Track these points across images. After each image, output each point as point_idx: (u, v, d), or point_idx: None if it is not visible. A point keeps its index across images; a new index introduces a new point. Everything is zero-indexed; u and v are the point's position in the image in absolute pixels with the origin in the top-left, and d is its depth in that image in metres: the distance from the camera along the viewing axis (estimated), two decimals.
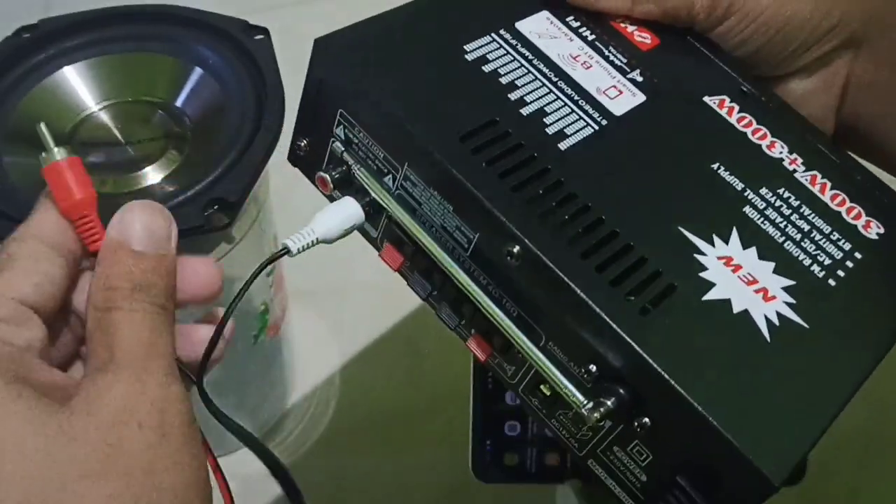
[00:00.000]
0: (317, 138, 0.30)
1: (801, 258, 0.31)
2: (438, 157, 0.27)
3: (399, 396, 0.52)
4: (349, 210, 0.30)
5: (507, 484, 0.45)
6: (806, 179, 0.34)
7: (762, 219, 0.31)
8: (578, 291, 0.26)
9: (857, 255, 0.32)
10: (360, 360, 0.53)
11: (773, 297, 0.29)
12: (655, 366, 0.25)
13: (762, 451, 0.25)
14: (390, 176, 0.29)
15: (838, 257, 0.32)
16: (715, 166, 0.32)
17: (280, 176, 0.45)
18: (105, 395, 0.23)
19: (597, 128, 0.31)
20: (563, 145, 0.30)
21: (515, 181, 0.28)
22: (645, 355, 0.25)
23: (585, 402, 0.26)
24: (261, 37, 0.39)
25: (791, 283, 0.30)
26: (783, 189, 0.33)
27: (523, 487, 0.46)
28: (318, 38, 0.29)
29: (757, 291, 0.29)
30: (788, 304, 0.29)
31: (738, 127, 0.34)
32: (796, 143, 0.34)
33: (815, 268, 0.31)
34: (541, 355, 0.27)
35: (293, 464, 0.49)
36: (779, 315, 0.29)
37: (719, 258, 0.29)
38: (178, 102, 0.38)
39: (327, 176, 0.30)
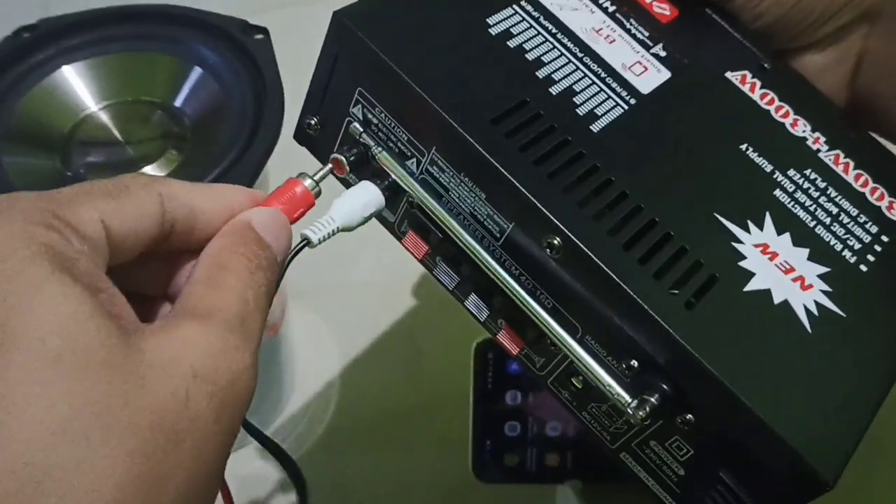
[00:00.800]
0: (330, 117, 0.29)
1: (832, 243, 0.31)
2: (471, 142, 0.26)
3: (399, 396, 0.52)
4: (369, 195, 0.28)
5: (507, 484, 0.45)
6: (830, 160, 0.33)
7: (792, 202, 0.31)
8: (623, 286, 0.25)
9: (884, 238, 0.32)
10: (360, 360, 0.53)
11: (811, 286, 0.29)
12: (704, 362, 0.24)
13: (814, 450, 0.25)
14: (414, 160, 0.28)
15: (867, 241, 0.31)
16: (743, 147, 0.32)
17: (280, 176, 0.45)
18: (189, 340, 0.21)
19: (626, 108, 0.30)
20: (594, 127, 0.29)
21: (551, 168, 0.26)
22: (693, 351, 0.24)
23: (631, 400, 0.25)
24: (260, 36, 0.39)
25: (825, 269, 0.29)
26: (810, 170, 0.32)
27: (523, 487, 0.46)
28: (337, 11, 0.27)
29: (794, 280, 0.29)
30: (825, 293, 0.29)
31: (762, 104, 0.34)
32: (818, 121, 0.34)
33: (847, 253, 0.31)
34: (579, 349, 0.26)
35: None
36: (817, 305, 0.28)
37: (756, 245, 0.29)
38: (178, 102, 0.38)
39: (343, 158, 0.29)
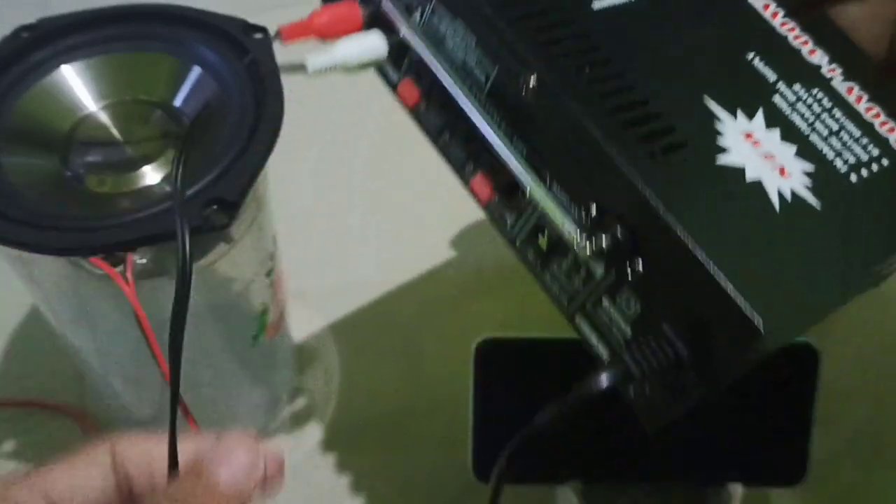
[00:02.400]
0: None
1: (824, 151, 0.30)
2: None
3: (399, 396, 0.52)
4: (374, 41, 0.31)
5: (507, 484, 0.45)
6: (843, 88, 0.33)
7: (791, 110, 0.31)
8: (588, 126, 0.26)
9: (885, 162, 0.31)
10: (360, 361, 0.53)
11: (789, 175, 0.28)
12: (653, 203, 0.25)
13: (749, 295, 0.24)
14: (419, 11, 0.30)
15: (864, 159, 0.31)
16: (750, 56, 0.32)
17: (279, 175, 0.45)
18: None
19: None
20: (597, 3, 0.30)
21: (539, 23, 0.28)
22: (644, 190, 0.25)
23: (583, 237, 0.27)
24: (260, 36, 0.39)
25: (811, 167, 0.29)
26: (817, 90, 0.32)
27: (523, 487, 0.46)
28: None
29: (774, 167, 0.28)
30: (805, 185, 0.28)
31: (780, 29, 0.33)
32: (838, 56, 0.33)
33: (839, 162, 0.30)
34: (543, 192, 0.28)
35: (293, 463, 0.49)
36: (792, 192, 0.28)
37: (740, 131, 0.29)
38: (178, 102, 0.38)
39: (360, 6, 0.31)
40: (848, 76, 0.33)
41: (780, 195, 0.28)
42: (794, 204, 0.28)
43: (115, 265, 0.33)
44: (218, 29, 0.39)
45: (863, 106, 0.32)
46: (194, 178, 0.34)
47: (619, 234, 0.26)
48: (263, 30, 0.39)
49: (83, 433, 0.50)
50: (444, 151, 0.31)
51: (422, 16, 0.30)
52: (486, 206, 0.30)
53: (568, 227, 0.27)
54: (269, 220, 0.42)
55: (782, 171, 0.28)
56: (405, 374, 0.52)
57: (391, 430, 0.50)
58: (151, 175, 0.36)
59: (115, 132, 0.37)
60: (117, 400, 0.45)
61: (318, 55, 0.30)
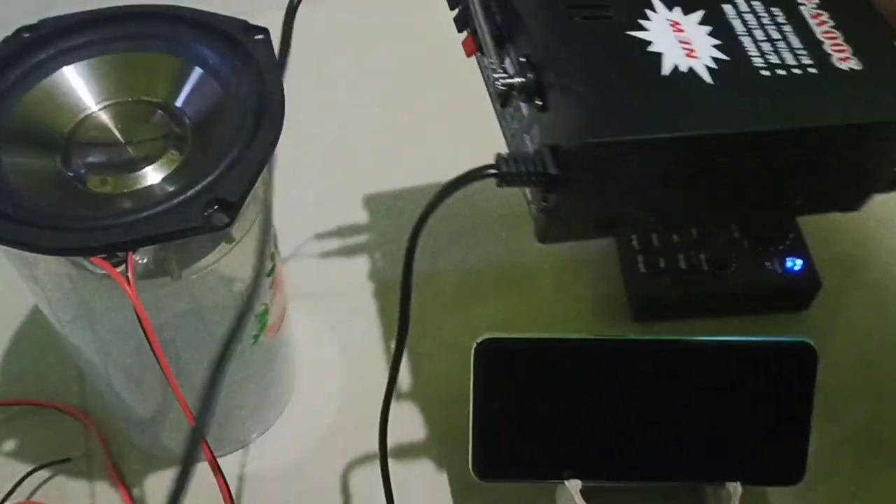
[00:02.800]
0: None
1: (748, 49, 0.33)
2: None
3: (399, 396, 0.52)
4: None
5: (507, 482, 0.45)
6: (809, 14, 0.35)
7: (735, 15, 0.34)
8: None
9: (811, 70, 0.33)
10: (360, 360, 0.53)
11: (696, 57, 0.32)
12: (545, 45, 0.32)
13: (598, 121, 0.30)
14: None
15: (788, 62, 0.33)
16: None
17: (280, 175, 0.45)
18: None
19: None
20: None
21: None
22: (547, 39, 0.32)
23: (511, 74, 0.33)
24: (261, 37, 0.39)
25: (724, 57, 0.33)
26: (776, 8, 0.35)
27: (523, 486, 0.46)
28: None
29: (683, 48, 0.33)
30: (706, 66, 0.32)
31: None
32: None
33: (758, 59, 0.33)
34: (493, 49, 0.35)
35: (293, 464, 0.49)
36: (690, 69, 0.32)
37: (668, 19, 0.34)
38: (179, 102, 0.38)
39: None
40: (824, 7, 0.35)
41: (675, 67, 0.32)
42: (685, 74, 0.32)
43: (116, 265, 0.33)
44: (219, 30, 0.39)
45: (822, 28, 0.35)
46: (195, 179, 0.34)
47: (529, 76, 0.32)
48: (264, 30, 0.39)
49: (84, 433, 0.50)
50: (456, 22, 0.39)
51: None
52: (474, 56, 0.39)
53: (508, 73, 0.33)
54: (270, 220, 0.42)
55: (690, 53, 0.33)
56: (405, 373, 0.53)
57: (391, 430, 0.50)
58: (152, 175, 0.36)
59: (115, 132, 0.37)
60: (118, 400, 0.45)
61: None
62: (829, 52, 0.34)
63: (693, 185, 0.33)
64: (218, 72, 0.38)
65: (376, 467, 0.48)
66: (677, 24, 0.34)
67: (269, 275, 0.42)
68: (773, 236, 0.54)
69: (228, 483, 0.40)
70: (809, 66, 0.33)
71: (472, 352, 0.43)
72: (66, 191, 0.36)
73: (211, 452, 0.38)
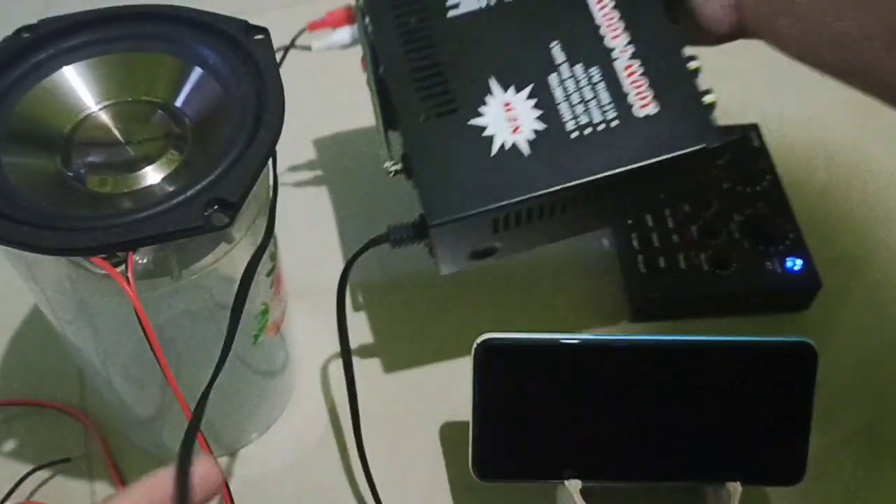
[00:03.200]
0: None
1: (563, 115, 0.41)
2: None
3: (399, 396, 0.52)
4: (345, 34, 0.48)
5: (507, 483, 0.45)
6: (621, 65, 0.42)
7: (559, 84, 0.42)
8: (395, 91, 0.42)
9: (613, 124, 0.41)
10: (360, 360, 0.53)
11: (520, 132, 0.41)
12: (410, 143, 0.41)
13: (436, 206, 0.41)
14: (360, 14, 0.46)
15: (595, 120, 0.41)
16: (553, 44, 0.43)
17: (280, 175, 0.45)
18: None
19: (482, 6, 0.44)
20: (451, 13, 0.44)
21: (404, 25, 0.44)
22: (406, 135, 0.42)
23: (392, 161, 0.42)
24: (261, 37, 0.39)
25: (542, 127, 0.41)
26: (595, 68, 0.42)
27: (523, 486, 0.46)
28: None
29: (511, 127, 0.41)
30: (527, 140, 0.41)
31: (599, 19, 0.43)
32: (639, 37, 0.42)
33: (570, 123, 0.41)
34: (381, 126, 0.44)
35: (293, 464, 0.49)
36: (513, 145, 0.41)
37: (502, 102, 0.42)
38: (179, 102, 0.38)
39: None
40: (637, 54, 0.42)
41: (502, 145, 0.41)
42: (508, 151, 0.41)
43: (116, 265, 0.33)
44: (219, 30, 0.39)
45: (631, 79, 0.41)
46: (195, 179, 0.34)
47: (401, 158, 0.42)
48: (264, 30, 0.39)
49: (84, 433, 0.50)
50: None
51: (362, 17, 0.45)
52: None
53: (393, 158, 0.42)
54: (271, 220, 0.42)
55: (516, 129, 0.41)
56: (405, 373, 0.53)
57: (391, 430, 0.50)
58: (152, 175, 0.36)
59: (116, 132, 0.37)
60: (118, 400, 0.45)
61: (319, 41, 0.47)
62: (633, 101, 0.41)
63: (519, 230, 0.42)
64: (218, 72, 0.38)
65: (376, 467, 0.48)
66: (509, 104, 0.41)
67: (269, 274, 0.42)
68: (774, 236, 0.54)
69: (228, 483, 0.40)
70: (613, 119, 0.41)
71: (472, 352, 0.43)
72: (66, 191, 0.36)
73: (211, 451, 0.38)
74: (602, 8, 0.43)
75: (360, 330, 0.54)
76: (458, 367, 0.45)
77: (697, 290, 0.53)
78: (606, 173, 0.39)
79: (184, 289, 0.37)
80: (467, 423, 0.44)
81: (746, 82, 0.68)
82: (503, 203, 0.40)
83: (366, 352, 0.54)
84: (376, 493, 0.47)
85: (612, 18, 0.42)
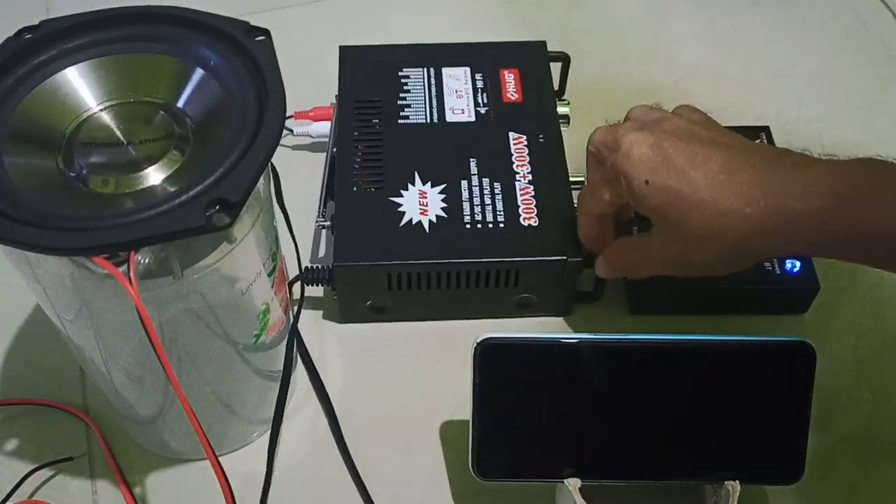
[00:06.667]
0: None
1: (464, 210, 0.52)
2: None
3: (399, 396, 0.52)
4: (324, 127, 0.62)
5: (507, 482, 0.45)
6: (520, 187, 0.54)
7: (466, 188, 0.53)
8: (337, 175, 0.54)
9: (500, 225, 0.52)
10: (360, 360, 0.54)
11: (426, 214, 0.52)
12: (341, 204, 0.53)
13: (344, 251, 0.51)
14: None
15: (487, 219, 0.52)
16: (472, 159, 0.55)
17: (281, 175, 0.45)
18: None
19: (426, 121, 0.57)
20: (401, 121, 0.57)
21: (362, 121, 0.57)
22: (341, 198, 0.53)
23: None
24: (262, 38, 0.39)
25: (445, 215, 0.52)
26: (498, 184, 0.54)
27: (523, 485, 0.46)
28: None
29: (421, 209, 0.52)
30: (430, 221, 0.52)
31: (512, 149, 0.55)
32: (540, 169, 0.54)
33: (467, 217, 0.52)
34: (322, 200, 0.56)
35: (294, 464, 0.49)
36: (419, 222, 0.52)
37: (419, 190, 0.53)
38: (180, 103, 0.38)
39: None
40: (533, 183, 0.54)
41: (410, 220, 0.52)
42: (413, 225, 0.52)
43: (118, 265, 0.33)
44: (220, 30, 0.39)
45: (524, 198, 0.53)
46: (197, 179, 0.34)
47: (330, 218, 0.53)
48: (265, 31, 0.39)
49: (86, 432, 0.50)
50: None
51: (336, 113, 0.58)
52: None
53: (324, 217, 0.55)
54: (271, 220, 0.43)
55: (424, 212, 0.52)
56: (405, 373, 0.53)
57: (391, 430, 0.50)
58: (154, 175, 0.36)
59: (117, 133, 0.38)
60: (120, 399, 0.45)
61: (301, 126, 0.61)
62: (521, 213, 0.52)
63: (410, 293, 0.52)
64: (219, 72, 0.38)
65: (376, 467, 0.48)
66: (425, 193, 0.53)
67: (270, 274, 0.43)
68: None
69: (230, 481, 0.40)
70: (501, 222, 0.52)
71: (472, 351, 0.43)
72: (68, 191, 0.36)
73: (213, 451, 0.39)
74: (517, 144, 0.55)
75: (361, 329, 0.54)
76: (458, 367, 0.45)
77: (696, 291, 0.53)
78: (488, 259, 0.50)
79: (185, 288, 0.37)
80: (467, 422, 0.44)
81: (747, 83, 0.69)
82: (397, 262, 0.50)
83: (366, 351, 0.54)
84: (367, 494, 0.47)
85: (522, 152, 0.55)
